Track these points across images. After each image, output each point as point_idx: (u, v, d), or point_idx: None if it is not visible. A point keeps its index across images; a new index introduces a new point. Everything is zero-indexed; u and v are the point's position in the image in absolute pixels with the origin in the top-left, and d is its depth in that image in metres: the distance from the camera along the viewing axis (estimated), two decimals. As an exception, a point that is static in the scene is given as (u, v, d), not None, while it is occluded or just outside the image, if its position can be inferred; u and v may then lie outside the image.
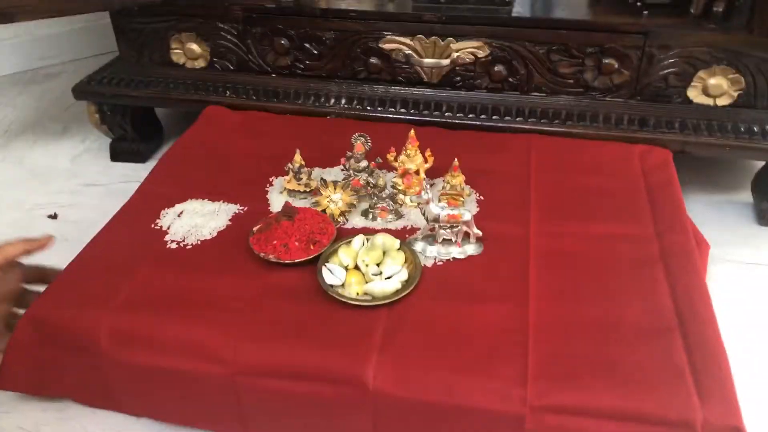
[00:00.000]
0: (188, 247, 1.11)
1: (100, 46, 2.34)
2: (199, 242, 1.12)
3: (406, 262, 1.09)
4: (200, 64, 1.59)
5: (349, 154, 1.25)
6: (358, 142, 1.23)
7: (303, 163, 1.25)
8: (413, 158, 1.22)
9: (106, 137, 1.79)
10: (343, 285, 1.03)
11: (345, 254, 1.08)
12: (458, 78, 1.50)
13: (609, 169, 1.33)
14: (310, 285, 1.01)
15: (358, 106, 1.53)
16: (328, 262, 1.08)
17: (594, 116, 1.44)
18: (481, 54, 1.46)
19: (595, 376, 0.85)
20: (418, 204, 1.12)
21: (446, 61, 1.46)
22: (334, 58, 1.49)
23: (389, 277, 1.04)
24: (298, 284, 1.02)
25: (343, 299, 0.98)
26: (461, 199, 1.22)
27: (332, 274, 1.04)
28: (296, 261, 1.07)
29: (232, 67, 1.57)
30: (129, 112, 1.65)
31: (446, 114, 1.49)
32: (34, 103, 2.12)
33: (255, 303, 0.98)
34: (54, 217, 1.54)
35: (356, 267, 1.07)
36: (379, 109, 1.52)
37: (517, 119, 1.47)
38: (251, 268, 1.05)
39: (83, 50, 2.44)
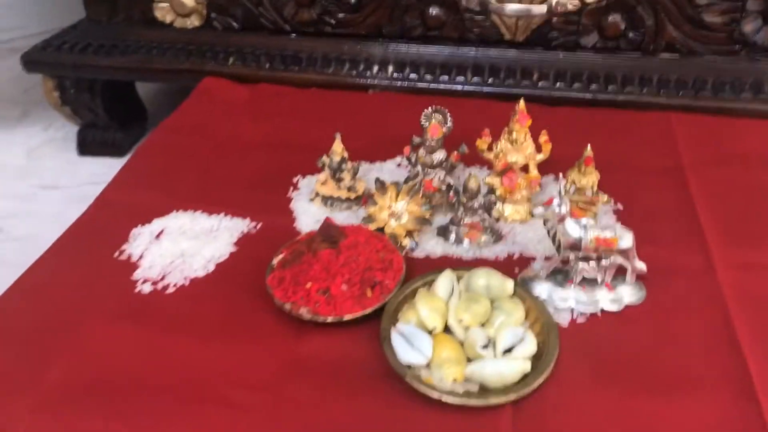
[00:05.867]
0: (169, 291, 0.73)
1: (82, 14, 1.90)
2: (186, 282, 0.73)
3: (527, 318, 0.65)
4: (194, 22, 1.20)
5: (417, 139, 0.82)
6: (433, 121, 0.79)
7: (346, 155, 0.82)
8: (521, 146, 0.78)
9: (74, 125, 1.38)
10: (428, 365, 0.60)
11: (428, 307, 0.64)
12: (554, 33, 1.07)
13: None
14: (370, 362, 0.64)
15: (412, 75, 1.11)
16: (398, 320, 0.64)
17: (757, 85, 1.00)
18: (591, -3, 1.02)
19: None
20: (545, 221, 0.68)
21: (540, 8, 1.02)
22: (377, 8, 1.13)
23: (508, 350, 0.61)
24: (351, 361, 0.65)
25: (434, 393, 0.55)
26: (593, 209, 0.78)
27: (410, 345, 0.61)
28: (345, 319, 0.63)
29: (236, 26, 1.17)
30: (99, 89, 1.29)
31: (540, 84, 1.07)
32: (-11, 84, 1.69)
33: (275, 395, 0.62)
34: (-6, 231, 1.18)
35: (446, 328, 0.64)
36: (443, 78, 1.09)
37: (644, 90, 1.04)
38: (270, 330, 0.68)
39: (62, 18, 1.97)
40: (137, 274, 0.75)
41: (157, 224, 0.82)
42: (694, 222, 0.79)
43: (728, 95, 1.01)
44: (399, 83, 1.11)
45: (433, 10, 1.10)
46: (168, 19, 1.23)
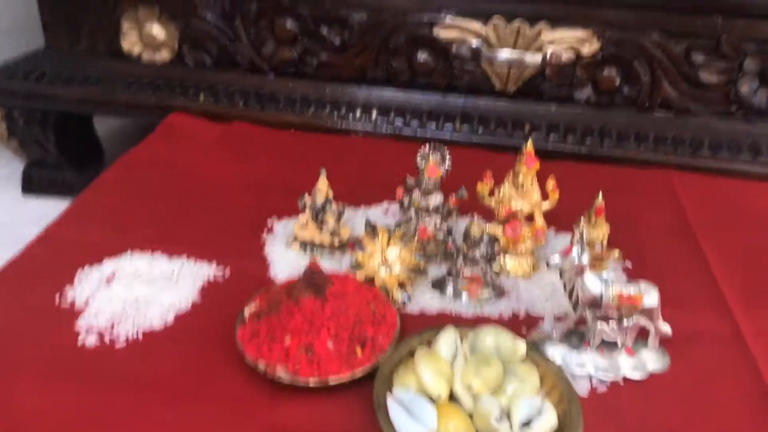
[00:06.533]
0: (119, 344, 0.61)
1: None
2: (140, 335, 0.61)
3: (542, 385, 0.56)
4: (164, 56, 1.11)
5: (411, 181, 0.74)
6: (431, 160, 0.71)
7: (331, 193, 0.73)
8: (527, 192, 0.70)
9: (20, 161, 1.28)
10: (434, 441, 0.50)
11: (430, 370, 0.54)
12: (547, 85, 1.02)
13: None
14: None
15: (397, 121, 1.04)
16: (394, 385, 0.54)
17: (755, 147, 0.97)
18: (586, 49, 0.98)
19: None
20: (562, 273, 0.60)
21: (534, 57, 0.98)
22: (363, 50, 1.07)
23: (526, 425, 0.51)
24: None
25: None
26: (603, 265, 0.71)
27: (409, 415, 0.51)
28: (331, 382, 0.53)
29: (209, 61, 1.08)
30: (52, 122, 1.17)
31: (532, 136, 0.99)
32: (-69, 115, 1.54)
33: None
34: None
35: (450, 396, 0.54)
36: (430, 125, 1.02)
37: (641, 147, 0.98)
38: (241, 395, 0.58)
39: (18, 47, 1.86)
40: (81, 323, 0.63)
41: (109, 266, 0.71)
42: (713, 284, 0.73)
43: (726, 156, 0.97)
44: (384, 129, 1.04)
45: (422, 56, 1.04)
46: (136, 50, 1.14)
